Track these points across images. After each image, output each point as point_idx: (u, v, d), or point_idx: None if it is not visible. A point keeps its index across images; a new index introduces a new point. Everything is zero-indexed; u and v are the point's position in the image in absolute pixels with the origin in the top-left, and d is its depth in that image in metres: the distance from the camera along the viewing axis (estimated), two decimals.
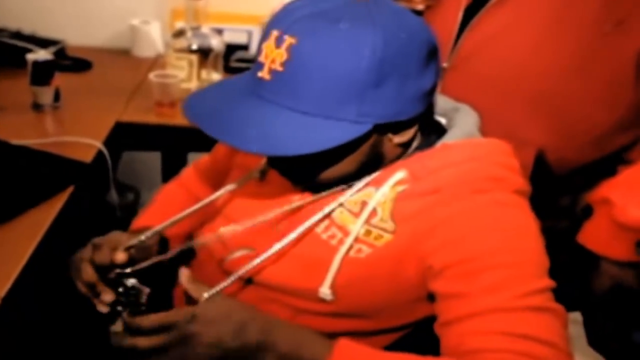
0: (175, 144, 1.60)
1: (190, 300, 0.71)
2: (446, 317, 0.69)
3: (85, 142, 1.28)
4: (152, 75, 1.47)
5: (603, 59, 0.91)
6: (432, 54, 0.71)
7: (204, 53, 1.60)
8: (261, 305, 0.80)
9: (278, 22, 0.69)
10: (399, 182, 0.74)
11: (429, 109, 0.74)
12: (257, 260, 0.76)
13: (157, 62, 1.81)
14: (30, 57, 1.40)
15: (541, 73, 0.94)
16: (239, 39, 1.84)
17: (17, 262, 0.90)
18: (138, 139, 1.50)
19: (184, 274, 0.72)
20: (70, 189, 1.11)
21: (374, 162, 0.75)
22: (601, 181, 0.97)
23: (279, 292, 0.79)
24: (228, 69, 1.72)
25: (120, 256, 0.76)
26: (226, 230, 0.82)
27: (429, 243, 0.71)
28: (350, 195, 0.77)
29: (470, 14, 1.00)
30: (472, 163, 0.74)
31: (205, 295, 0.69)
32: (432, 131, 0.80)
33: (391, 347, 0.84)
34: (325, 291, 0.74)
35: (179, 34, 1.61)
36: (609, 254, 0.95)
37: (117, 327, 0.73)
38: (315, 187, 0.79)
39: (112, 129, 1.40)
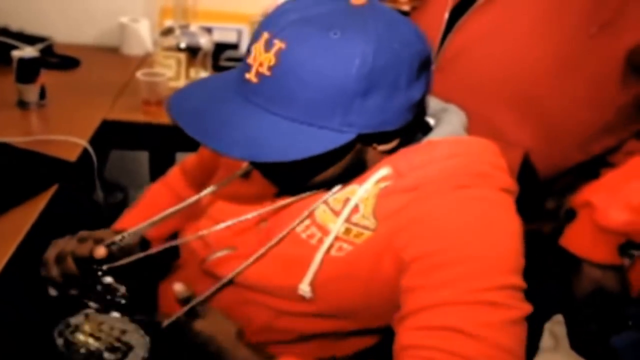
0: (163, 143, 1.60)
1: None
2: (401, 312, 0.69)
3: (70, 141, 1.28)
4: (139, 74, 1.46)
5: (588, 61, 0.91)
6: (425, 65, 0.70)
7: (193, 52, 1.60)
8: (241, 307, 0.81)
9: (270, 23, 0.68)
10: (382, 179, 0.74)
11: (418, 115, 0.74)
12: (243, 265, 0.76)
13: (145, 60, 1.80)
14: (16, 54, 1.39)
15: (526, 75, 0.94)
16: (229, 37, 1.84)
17: None
18: (125, 137, 1.49)
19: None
20: (54, 188, 1.11)
21: (357, 168, 0.75)
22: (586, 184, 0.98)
23: (259, 293, 0.79)
24: (217, 68, 1.71)
25: (100, 251, 0.76)
26: (208, 231, 0.82)
27: (403, 238, 0.71)
28: (333, 193, 0.77)
29: (456, 15, 1.00)
30: (456, 159, 0.74)
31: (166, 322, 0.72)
32: (419, 129, 0.80)
33: (374, 349, 0.84)
34: (304, 288, 0.74)
35: (168, 32, 1.61)
36: (590, 257, 0.95)
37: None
38: (297, 190, 0.79)
39: (99, 127, 1.39)
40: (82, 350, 0.76)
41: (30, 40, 1.65)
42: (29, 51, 1.42)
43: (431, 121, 0.82)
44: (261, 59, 0.66)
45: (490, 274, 0.67)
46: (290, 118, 0.66)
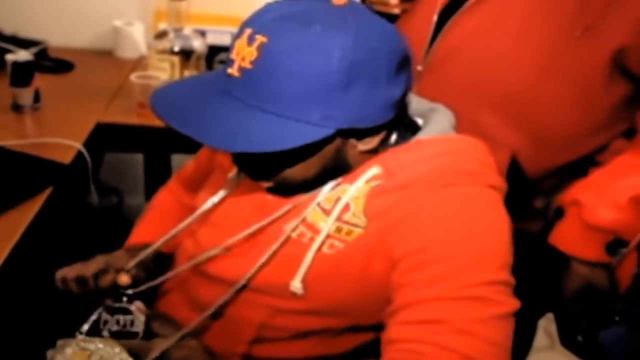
0: (157, 145, 1.60)
1: None
2: (391, 307, 0.70)
3: (65, 143, 1.28)
4: (133, 77, 1.47)
5: (573, 63, 0.93)
6: (404, 63, 0.72)
7: (186, 54, 1.60)
8: (237, 306, 0.81)
9: (252, 21, 0.70)
10: (373, 178, 0.75)
11: (398, 116, 0.75)
12: (253, 270, 0.78)
13: (139, 63, 1.81)
14: (10, 57, 1.40)
15: (513, 76, 0.95)
16: (222, 40, 1.84)
17: None
18: (119, 140, 1.50)
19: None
20: (48, 190, 1.11)
21: (338, 168, 0.76)
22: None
23: (253, 291, 0.80)
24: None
25: (124, 279, 0.82)
26: (232, 240, 0.82)
27: (394, 236, 0.72)
28: (325, 193, 0.77)
29: (445, 17, 1.01)
30: (444, 157, 0.75)
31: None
32: (408, 129, 0.81)
33: (371, 346, 0.85)
34: (296, 285, 0.75)
35: (161, 35, 1.61)
36: (579, 254, 0.97)
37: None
38: (279, 190, 0.79)
39: (93, 130, 1.39)
40: None
41: (24, 44, 1.65)
42: (23, 55, 1.43)
43: (419, 121, 0.83)
44: (243, 54, 0.68)
45: (478, 269, 0.68)
46: (270, 111, 0.67)
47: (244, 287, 0.80)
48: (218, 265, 0.83)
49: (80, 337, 0.76)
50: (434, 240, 0.70)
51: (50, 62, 1.71)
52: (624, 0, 0.88)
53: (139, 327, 0.79)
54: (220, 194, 0.87)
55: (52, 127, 1.35)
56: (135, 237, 1.00)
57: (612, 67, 0.92)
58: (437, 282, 0.67)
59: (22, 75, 1.40)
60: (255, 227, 0.80)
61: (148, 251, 0.86)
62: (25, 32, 1.75)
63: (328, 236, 0.76)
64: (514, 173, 0.98)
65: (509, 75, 0.96)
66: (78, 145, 1.28)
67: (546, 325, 1.14)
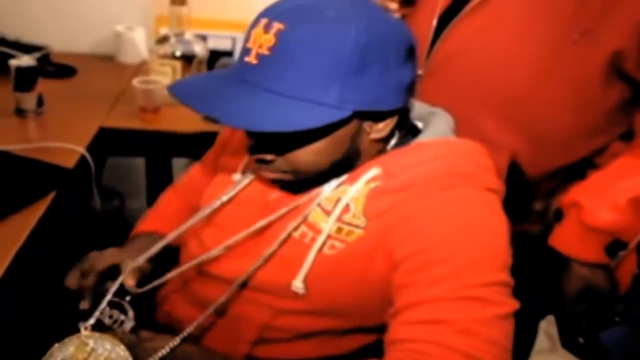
0: (159, 150, 1.61)
1: None
2: (393, 308, 0.71)
3: (68, 148, 1.29)
4: (135, 81, 1.48)
5: (571, 66, 0.93)
6: (411, 51, 0.75)
7: (188, 59, 1.62)
8: (240, 306, 0.82)
9: (267, 11, 0.72)
10: (372, 179, 0.77)
11: (407, 108, 0.77)
12: (253, 267, 0.78)
13: (141, 68, 1.82)
14: (13, 63, 1.41)
15: (511, 80, 0.96)
16: (223, 45, 1.86)
17: None
18: (122, 144, 1.51)
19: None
20: (52, 195, 1.12)
21: (351, 157, 0.77)
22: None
23: (256, 291, 0.81)
24: None
25: (130, 282, 0.82)
26: (232, 240, 0.84)
27: (394, 238, 0.73)
28: (326, 193, 0.79)
29: (445, 21, 1.02)
30: (443, 160, 0.76)
31: None
32: (408, 132, 0.83)
33: (374, 347, 0.85)
34: (298, 285, 0.76)
35: (163, 40, 1.62)
36: (579, 256, 0.97)
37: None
38: (289, 185, 0.80)
39: (96, 134, 1.40)
40: None
41: (27, 49, 1.66)
42: (26, 60, 1.44)
43: (419, 124, 0.85)
44: (261, 41, 0.70)
45: (478, 270, 0.69)
46: (289, 95, 0.69)
47: (246, 285, 0.81)
48: (221, 265, 0.84)
49: (84, 332, 0.77)
50: (434, 242, 0.71)
51: (52, 67, 1.72)
52: (621, 4, 0.89)
53: (127, 329, 0.80)
54: (230, 192, 0.88)
55: (56, 131, 1.36)
56: (139, 228, 1.02)
57: (610, 70, 0.93)
58: (438, 283, 0.68)
59: (25, 80, 1.41)
60: (257, 225, 0.81)
61: (158, 246, 0.87)
62: (28, 38, 1.77)
63: (329, 237, 0.77)
64: (514, 176, 0.99)
65: (507, 78, 0.96)
66: (81, 150, 1.29)
67: (547, 328, 1.14)
